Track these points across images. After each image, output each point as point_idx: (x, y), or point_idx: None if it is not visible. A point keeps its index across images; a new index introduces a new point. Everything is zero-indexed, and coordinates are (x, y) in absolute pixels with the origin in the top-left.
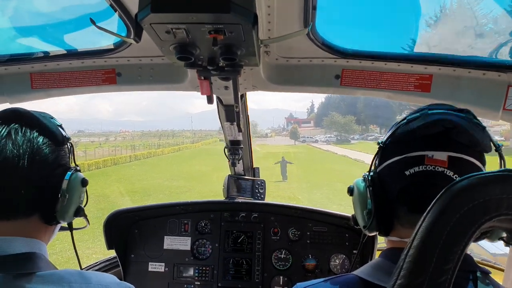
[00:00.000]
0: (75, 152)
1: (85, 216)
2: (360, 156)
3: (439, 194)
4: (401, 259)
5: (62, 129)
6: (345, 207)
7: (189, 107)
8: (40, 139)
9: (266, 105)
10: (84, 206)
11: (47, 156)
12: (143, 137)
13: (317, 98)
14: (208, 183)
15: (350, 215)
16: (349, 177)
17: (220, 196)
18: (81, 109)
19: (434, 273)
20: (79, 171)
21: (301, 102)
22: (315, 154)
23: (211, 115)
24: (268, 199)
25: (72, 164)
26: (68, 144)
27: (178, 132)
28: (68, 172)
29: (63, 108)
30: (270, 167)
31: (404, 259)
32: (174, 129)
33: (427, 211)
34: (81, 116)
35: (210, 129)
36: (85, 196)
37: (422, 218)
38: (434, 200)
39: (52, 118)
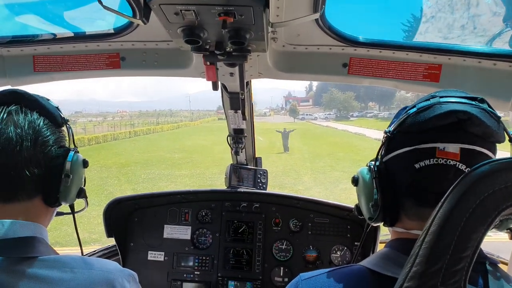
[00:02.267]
0: (74, 133)
1: (86, 198)
2: (360, 130)
3: (459, 179)
4: (416, 245)
5: (60, 110)
6: (348, 173)
7: (187, 87)
8: (41, 120)
9: (264, 85)
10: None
11: (48, 137)
12: (141, 116)
13: None
14: (209, 154)
15: (352, 206)
16: (351, 147)
17: (219, 169)
18: (78, 90)
19: (452, 261)
20: (78, 152)
21: (299, 81)
22: (315, 130)
23: (208, 95)
24: (270, 168)
25: (71, 146)
26: (67, 125)
27: (176, 112)
28: (70, 153)
29: (59, 89)
30: (271, 140)
31: (420, 245)
32: (171, 108)
33: (445, 196)
34: (78, 97)
35: (208, 109)
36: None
37: (440, 204)
38: (453, 186)
39: (48, 100)
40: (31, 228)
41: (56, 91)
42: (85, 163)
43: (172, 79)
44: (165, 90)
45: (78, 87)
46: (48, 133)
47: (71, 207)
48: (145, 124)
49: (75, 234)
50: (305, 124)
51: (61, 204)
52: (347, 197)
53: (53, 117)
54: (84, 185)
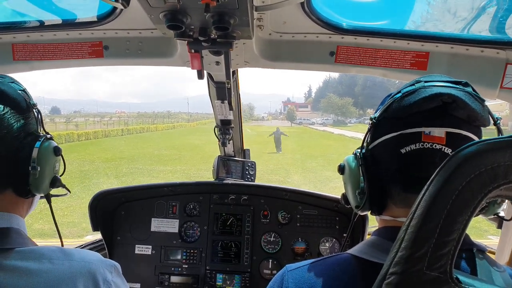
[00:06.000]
0: (43, 119)
1: (63, 186)
2: (357, 135)
3: (445, 161)
4: (402, 230)
5: (26, 93)
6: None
7: (186, 90)
8: (0, 108)
9: (263, 90)
10: (61, 175)
11: (11, 126)
12: (139, 117)
13: (314, 83)
14: (199, 151)
15: (340, 197)
16: (345, 149)
17: (206, 166)
18: (77, 90)
19: (437, 244)
20: (51, 139)
21: (298, 87)
22: (311, 133)
23: (208, 98)
24: (260, 166)
25: (42, 132)
26: (35, 110)
27: (175, 114)
28: (38, 142)
29: (59, 88)
30: (264, 141)
31: (406, 230)
32: (170, 110)
33: (431, 178)
34: (77, 97)
35: (206, 112)
36: (63, 165)
37: (426, 187)
38: (439, 168)
39: (12, 82)
40: (6, 218)
41: (59, 91)
42: (56, 151)
43: (173, 81)
44: (165, 92)
45: (78, 86)
46: (11, 122)
47: (47, 197)
48: (140, 124)
49: (36, 225)
50: (302, 128)
51: (35, 195)
52: (336, 195)
53: (15, 102)
54: (63, 173)
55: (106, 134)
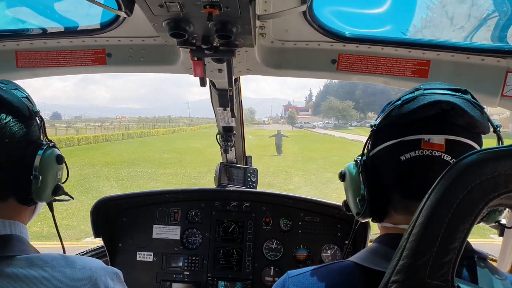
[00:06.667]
0: (45, 126)
1: (66, 194)
2: (358, 138)
3: (446, 170)
4: (403, 238)
5: (29, 100)
6: None
7: (187, 95)
8: (2, 116)
9: (264, 94)
10: (64, 182)
11: (13, 134)
12: (139, 122)
13: (315, 87)
14: (200, 155)
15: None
16: (346, 152)
17: (207, 168)
18: (78, 95)
19: (439, 253)
20: (55, 146)
21: (299, 91)
22: (312, 137)
23: (209, 103)
24: (261, 169)
25: (45, 140)
26: (38, 117)
27: (175, 118)
28: (40, 150)
29: (60, 94)
30: (265, 144)
31: (407, 238)
32: (171, 115)
33: (432, 187)
34: (78, 102)
35: (207, 116)
36: (66, 172)
37: (427, 195)
38: (440, 176)
39: (15, 88)
40: (8, 226)
41: (60, 96)
42: (59, 159)
43: (174, 86)
44: (165, 97)
45: (79, 92)
46: (13, 130)
47: (49, 204)
48: (141, 128)
49: (34, 228)
50: (303, 132)
51: (37, 203)
52: (338, 196)
53: (18, 110)
54: (66, 180)
55: (107, 139)
